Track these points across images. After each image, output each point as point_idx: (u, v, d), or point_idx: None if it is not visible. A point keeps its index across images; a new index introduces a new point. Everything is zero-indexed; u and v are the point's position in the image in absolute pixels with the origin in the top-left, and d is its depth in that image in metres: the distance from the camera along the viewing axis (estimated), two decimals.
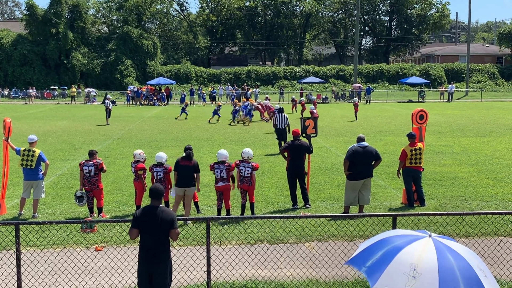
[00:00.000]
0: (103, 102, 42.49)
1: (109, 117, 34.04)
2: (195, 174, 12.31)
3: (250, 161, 12.57)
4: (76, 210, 13.32)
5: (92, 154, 12.81)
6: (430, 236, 5.17)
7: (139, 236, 7.21)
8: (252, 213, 12.60)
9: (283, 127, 22.08)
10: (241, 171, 12.45)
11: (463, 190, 15.25)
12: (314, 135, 14.71)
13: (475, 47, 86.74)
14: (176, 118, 36.94)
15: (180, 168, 12.22)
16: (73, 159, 20.62)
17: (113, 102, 46.34)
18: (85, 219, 11.85)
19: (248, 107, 34.48)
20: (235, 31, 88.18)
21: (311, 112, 31.27)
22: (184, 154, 12.39)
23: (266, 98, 37.61)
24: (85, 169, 12.60)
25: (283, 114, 22.38)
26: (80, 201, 12.54)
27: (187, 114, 37.53)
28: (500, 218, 11.78)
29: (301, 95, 57.37)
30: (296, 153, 13.52)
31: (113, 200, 14.17)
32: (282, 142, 21.49)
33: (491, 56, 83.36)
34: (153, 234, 7.10)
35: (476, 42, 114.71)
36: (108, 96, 38.99)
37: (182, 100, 52.78)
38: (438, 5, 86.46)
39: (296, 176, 13.54)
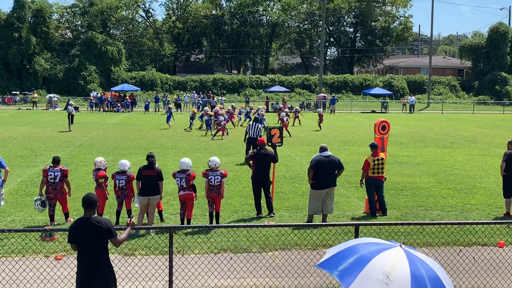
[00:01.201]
0: (66, 108, 41.84)
1: (71, 123, 33.52)
2: (158, 182, 12.19)
3: (217, 169, 12.54)
4: (36, 218, 13.06)
5: (57, 160, 12.62)
6: (401, 246, 5.28)
7: (77, 249, 7.10)
8: (217, 222, 12.55)
9: (255, 137, 21.81)
10: (211, 180, 12.39)
11: (424, 200, 15.50)
12: (280, 144, 14.77)
13: (437, 59, 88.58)
14: (199, 128, 34.98)
15: (143, 177, 12.09)
16: (33, 165, 20.23)
17: (76, 108, 45.68)
18: (45, 227, 11.63)
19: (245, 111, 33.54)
20: (202, 38, 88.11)
21: (281, 120, 31.66)
22: (146, 163, 12.27)
23: (232, 107, 37.66)
24: (50, 175, 12.36)
25: (257, 124, 22.25)
26: (44, 206, 12.30)
27: (192, 123, 35.30)
28: (459, 228, 12.00)
29: (267, 104, 57.63)
30: (261, 162, 13.54)
31: (75, 208, 13.92)
32: (249, 151, 21.40)
33: (452, 68, 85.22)
34: (90, 246, 6.96)
35: (438, 54, 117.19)
36: (70, 102, 38.49)
37: (147, 107, 52.45)
38: (401, 18, 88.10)
39: (261, 185, 13.56)
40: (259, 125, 22.25)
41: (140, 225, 11.76)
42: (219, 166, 12.65)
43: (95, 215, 7.17)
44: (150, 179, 12.04)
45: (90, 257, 6.98)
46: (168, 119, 36.11)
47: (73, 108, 34.86)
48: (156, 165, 12.30)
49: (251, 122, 22.58)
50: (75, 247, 7.13)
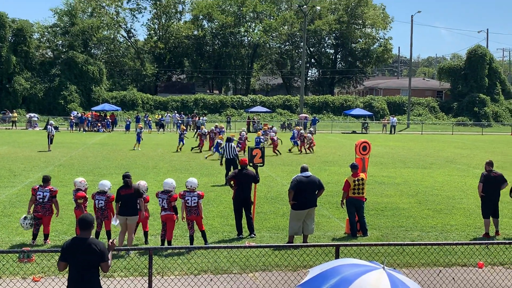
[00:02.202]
0: (46, 128, 41.51)
1: (51, 143, 33.22)
2: (138, 201, 12.06)
3: (195, 190, 12.49)
4: (14, 239, 12.86)
5: (47, 179, 12.59)
6: (383, 268, 5.27)
7: (68, 269, 6.99)
8: (205, 240, 12.48)
9: (231, 157, 21.83)
10: (187, 201, 12.30)
11: (404, 221, 15.57)
12: (261, 164, 14.78)
13: (416, 81, 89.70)
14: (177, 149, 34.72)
15: (122, 197, 12.02)
16: (12, 186, 19.97)
17: (56, 128, 45.33)
18: (23, 248, 11.46)
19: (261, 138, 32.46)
20: (183, 59, 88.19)
21: (272, 139, 32.08)
22: (123, 183, 12.20)
23: (216, 127, 37.54)
24: (39, 194, 12.30)
25: (231, 144, 22.25)
26: (32, 225, 12.23)
27: (183, 144, 34.59)
28: (439, 248, 12.07)
29: (248, 124, 57.76)
30: (242, 182, 13.53)
31: (53, 229, 13.75)
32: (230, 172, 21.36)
33: (432, 90, 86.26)
34: (82, 267, 6.87)
35: (417, 76, 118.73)
36: (50, 121, 38.17)
37: (128, 127, 52.20)
38: (381, 40, 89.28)
39: (242, 205, 13.53)
40: (233, 145, 22.25)
41: (120, 246, 11.65)
42: (196, 187, 12.61)
43: (92, 236, 7.10)
44: (129, 197, 11.99)
45: (81, 276, 6.88)
46: (138, 139, 35.25)
47: (53, 128, 34.58)
48: (133, 184, 12.26)
49: (224, 144, 22.52)
50: (63, 266, 7.00)
